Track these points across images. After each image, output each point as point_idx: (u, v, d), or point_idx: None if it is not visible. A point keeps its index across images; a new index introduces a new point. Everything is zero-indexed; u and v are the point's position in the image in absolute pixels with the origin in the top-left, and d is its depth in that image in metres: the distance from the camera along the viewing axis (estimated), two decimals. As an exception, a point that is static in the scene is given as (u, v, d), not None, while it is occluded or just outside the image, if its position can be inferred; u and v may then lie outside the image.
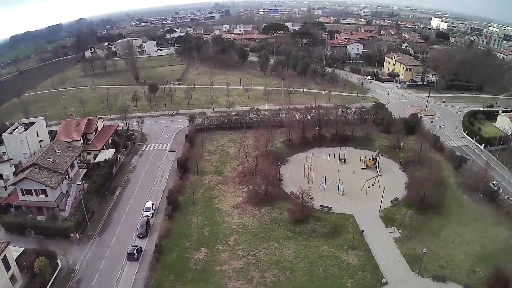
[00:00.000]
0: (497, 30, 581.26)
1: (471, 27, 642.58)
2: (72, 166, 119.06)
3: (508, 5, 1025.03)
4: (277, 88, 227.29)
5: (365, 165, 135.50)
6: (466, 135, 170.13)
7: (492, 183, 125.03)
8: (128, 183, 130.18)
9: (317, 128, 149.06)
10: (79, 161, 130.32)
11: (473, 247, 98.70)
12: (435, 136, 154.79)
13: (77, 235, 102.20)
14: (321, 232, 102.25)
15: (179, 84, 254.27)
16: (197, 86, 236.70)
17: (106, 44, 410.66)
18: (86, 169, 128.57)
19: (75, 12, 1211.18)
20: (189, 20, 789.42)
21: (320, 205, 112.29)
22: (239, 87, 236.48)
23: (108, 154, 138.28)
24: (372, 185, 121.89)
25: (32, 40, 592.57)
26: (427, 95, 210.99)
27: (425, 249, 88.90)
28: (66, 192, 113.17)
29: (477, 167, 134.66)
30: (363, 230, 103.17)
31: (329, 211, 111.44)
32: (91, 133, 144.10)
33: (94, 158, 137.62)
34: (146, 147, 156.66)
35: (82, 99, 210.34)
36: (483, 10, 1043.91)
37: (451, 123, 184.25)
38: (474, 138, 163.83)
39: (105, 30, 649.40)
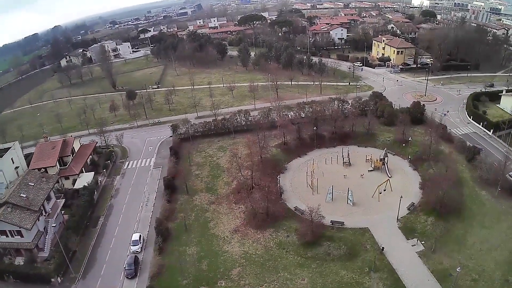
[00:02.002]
0: (483, 4, 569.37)
1: (455, 3, 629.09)
2: (48, 198, 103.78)
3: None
4: (263, 83, 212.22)
5: (372, 166, 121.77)
6: (472, 121, 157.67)
7: (509, 175, 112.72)
8: (111, 210, 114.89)
9: (314, 128, 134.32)
10: (56, 189, 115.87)
11: (501, 252, 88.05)
12: (441, 125, 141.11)
13: (59, 279, 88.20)
14: (337, 255, 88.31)
15: (157, 87, 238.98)
16: (177, 88, 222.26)
17: (81, 50, 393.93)
18: (64, 199, 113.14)
19: (50, 20, 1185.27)
20: (162, 17, 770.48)
21: (331, 221, 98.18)
22: (222, 85, 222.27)
23: (87, 178, 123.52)
24: (384, 190, 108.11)
25: (10, 52, 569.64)
26: (424, 78, 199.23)
27: (459, 268, 74.84)
28: (44, 229, 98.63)
29: (491, 157, 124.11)
30: (383, 247, 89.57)
31: (342, 227, 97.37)
32: (68, 156, 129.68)
33: (73, 184, 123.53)
34: (128, 164, 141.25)
35: (59, 114, 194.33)
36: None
37: (454, 108, 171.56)
38: (482, 124, 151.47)
39: (80, 36, 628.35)
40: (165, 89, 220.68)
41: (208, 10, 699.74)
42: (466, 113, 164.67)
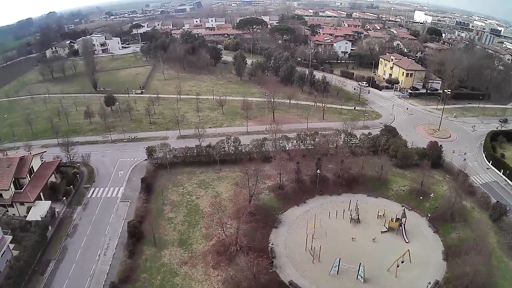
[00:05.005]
0: (483, 24, 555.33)
1: (456, 21, 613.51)
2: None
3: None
4: (258, 99, 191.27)
5: (387, 226, 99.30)
6: (491, 166, 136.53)
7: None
8: (64, 254, 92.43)
9: (317, 171, 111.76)
10: (4, 222, 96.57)
11: None
12: (462, 173, 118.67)
13: None
14: None
15: (141, 92, 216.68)
16: (162, 96, 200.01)
17: (68, 42, 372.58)
18: (11, 236, 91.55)
19: (47, 5, 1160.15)
20: (159, 12, 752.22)
21: (336, 307, 75.72)
22: (212, 97, 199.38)
23: (42, 209, 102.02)
24: (402, 262, 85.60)
25: (3, 36, 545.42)
26: (435, 107, 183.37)
27: None
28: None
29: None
30: None
31: (350, 317, 75.11)
32: (24, 178, 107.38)
33: (27, 212, 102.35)
34: (93, 192, 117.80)
35: (30, 116, 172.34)
36: (463, 2, 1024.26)
37: (470, 147, 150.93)
38: (503, 172, 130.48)
39: (73, 25, 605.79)
40: (149, 95, 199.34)
41: (208, 9, 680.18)
42: (484, 156, 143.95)
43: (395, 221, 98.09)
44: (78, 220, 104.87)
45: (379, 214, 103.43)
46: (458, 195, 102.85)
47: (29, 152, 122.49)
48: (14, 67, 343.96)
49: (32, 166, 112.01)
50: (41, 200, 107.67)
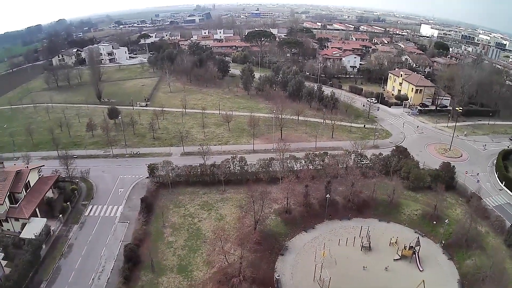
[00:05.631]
0: (488, 38, 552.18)
1: (462, 35, 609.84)
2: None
3: (491, 11, 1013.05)
4: (265, 115, 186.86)
5: (399, 254, 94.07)
6: (504, 187, 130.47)
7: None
8: (57, 275, 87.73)
9: (327, 195, 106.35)
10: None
11: None
12: (476, 196, 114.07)
13: None
14: None
15: (146, 105, 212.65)
16: (167, 109, 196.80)
17: (75, 50, 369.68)
18: (3, 254, 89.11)
19: (58, 13, 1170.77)
20: (169, 23, 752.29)
21: None
22: (218, 111, 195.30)
23: (37, 226, 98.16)
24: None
25: (12, 41, 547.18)
26: (446, 125, 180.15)
27: None
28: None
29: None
30: None
31: None
32: (19, 192, 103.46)
33: (21, 228, 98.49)
34: (91, 209, 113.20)
35: (30, 127, 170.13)
36: (466, 15, 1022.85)
37: (482, 167, 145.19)
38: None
39: (81, 33, 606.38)
40: (153, 109, 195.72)
41: (217, 20, 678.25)
42: (496, 176, 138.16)
43: (409, 249, 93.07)
44: (73, 240, 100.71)
45: (392, 242, 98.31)
46: (473, 220, 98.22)
47: (26, 166, 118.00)
48: (20, 74, 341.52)
49: (28, 181, 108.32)
50: (37, 216, 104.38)
